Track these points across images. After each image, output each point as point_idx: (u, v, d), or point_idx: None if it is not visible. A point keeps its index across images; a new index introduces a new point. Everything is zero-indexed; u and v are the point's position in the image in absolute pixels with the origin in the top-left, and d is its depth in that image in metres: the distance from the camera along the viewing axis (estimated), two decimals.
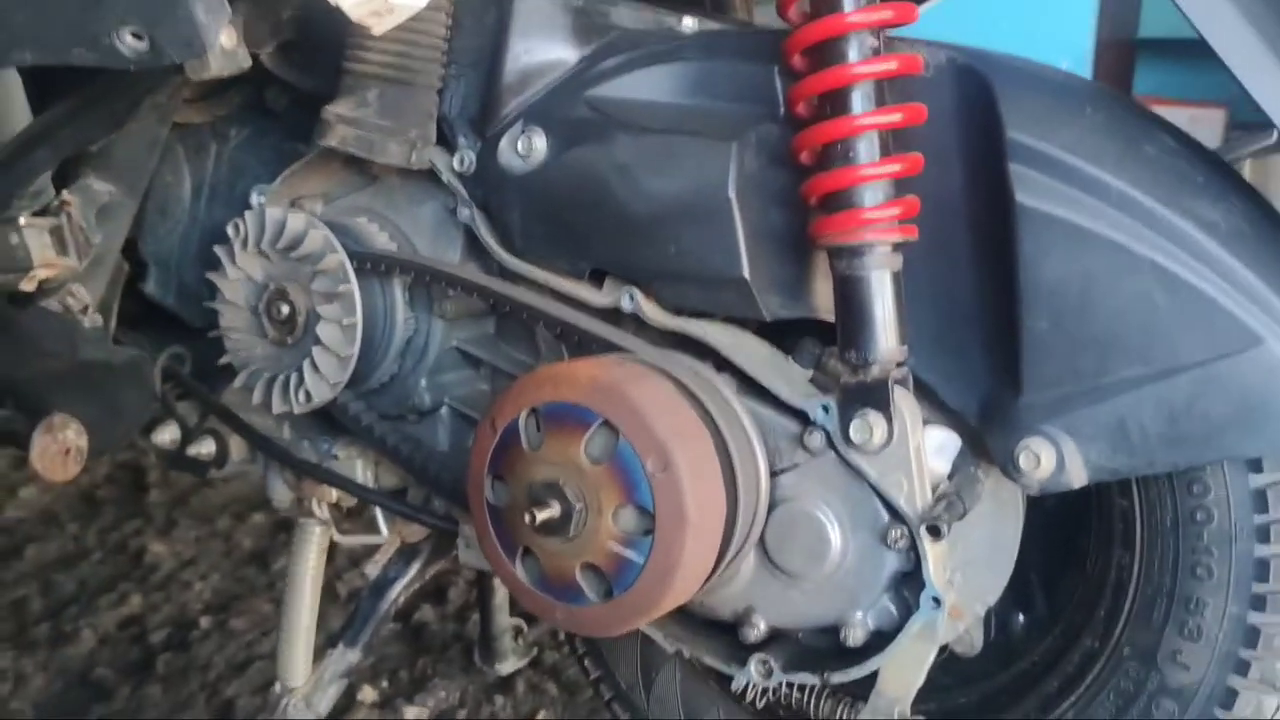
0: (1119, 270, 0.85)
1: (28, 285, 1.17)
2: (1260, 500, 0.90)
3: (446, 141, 1.09)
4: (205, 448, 1.31)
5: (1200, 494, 0.91)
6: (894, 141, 0.90)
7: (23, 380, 1.27)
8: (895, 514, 0.92)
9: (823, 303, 0.97)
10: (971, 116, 0.90)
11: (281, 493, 1.30)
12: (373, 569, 1.37)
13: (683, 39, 1.05)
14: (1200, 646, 0.93)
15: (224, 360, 1.21)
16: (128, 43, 0.81)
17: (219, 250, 1.18)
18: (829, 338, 0.98)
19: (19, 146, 1.11)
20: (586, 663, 1.26)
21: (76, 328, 1.20)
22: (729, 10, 1.40)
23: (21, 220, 1.15)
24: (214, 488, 2.27)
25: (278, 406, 1.16)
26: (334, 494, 1.24)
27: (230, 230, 1.17)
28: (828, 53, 0.89)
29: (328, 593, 1.84)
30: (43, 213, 1.18)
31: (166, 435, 1.32)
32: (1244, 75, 0.84)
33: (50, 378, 1.27)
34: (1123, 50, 3.83)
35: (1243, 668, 0.91)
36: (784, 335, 1.02)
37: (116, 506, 2.23)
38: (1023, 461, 0.90)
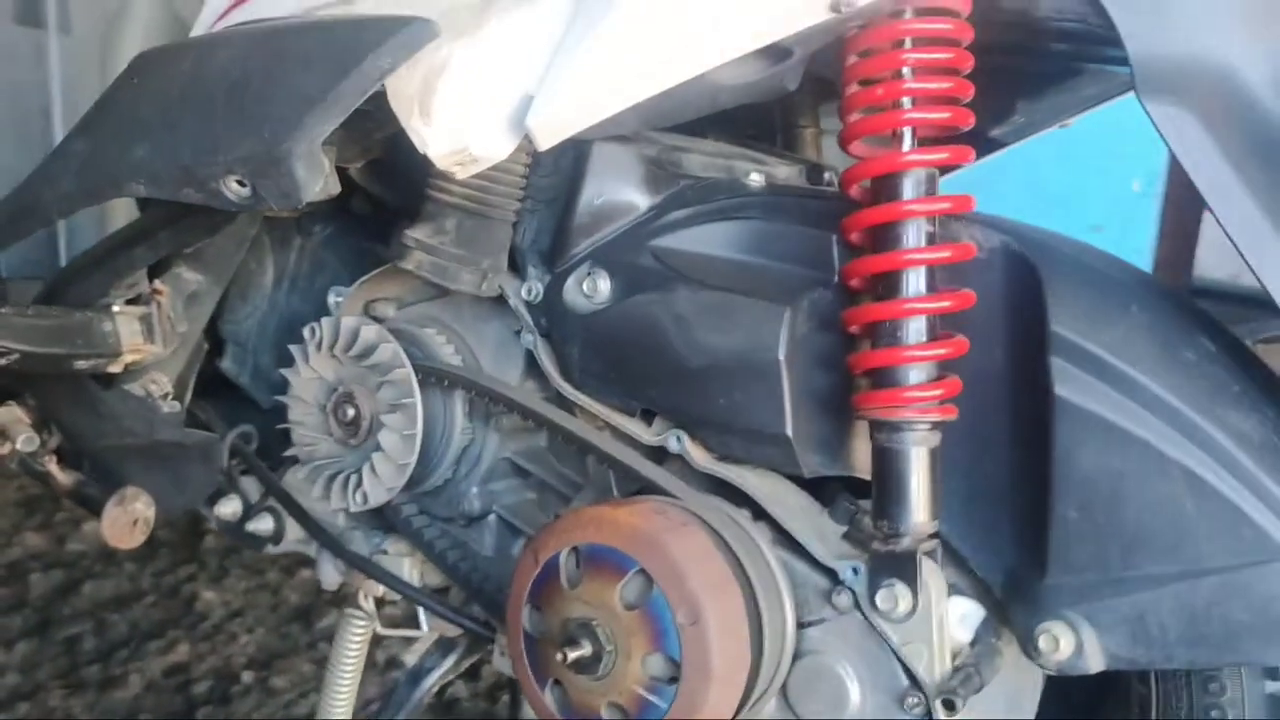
0: (1149, 471, 0.88)
1: (115, 368, 1.24)
2: (1275, 706, 0.91)
3: (517, 268, 1.15)
4: (264, 525, 1.37)
5: (1216, 693, 0.93)
6: (941, 321, 0.93)
7: (101, 451, 1.34)
8: (914, 681, 0.95)
9: (860, 462, 1.00)
10: (1018, 305, 0.93)
11: (331, 577, 1.35)
12: (411, 658, 1.42)
13: (749, 195, 1.09)
14: None
15: (290, 452, 1.27)
16: (232, 189, 0.88)
17: (294, 349, 1.25)
18: (863, 490, 1.01)
19: (121, 242, 1.18)
20: None
21: (155, 411, 1.27)
22: (797, 147, 1.45)
23: (115, 308, 1.22)
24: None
25: (335, 503, 1.21)
26: (380, 589, 1.29)
27: (306, 332, 1.23)
28: (884, 236, 0.93)
29: (367, 660, 1.89)
30: (135, 300, 1.25)
31: (228, 509, 1.38)
32: (1248, 251, 0.85)
33: (126, 451, 1.34)
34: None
35: None
36: (820, 484, 1.05)
37: (172, 550, 2.30)
38: (1042, 643, 0.92)
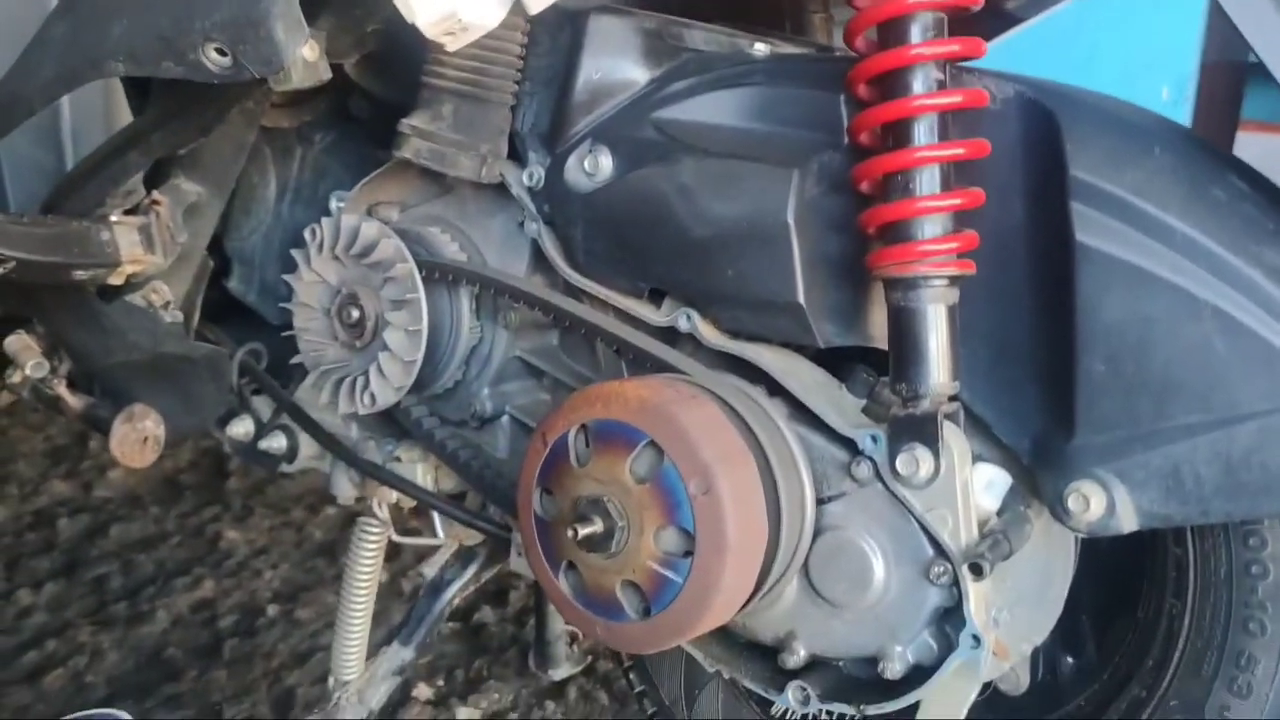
0: (1180, 315, 0.84)
1: (115, 280, 1.21)
2: None
3: (518, 156, 1.11)
4: (276, 443, 1.35)
5: (1257, 547, 0.89)
6: (955, 174, 0.89)
7: (108, 370, 1.32)
8: (939, 549, 0.92)
9: (877, 331, 0.97)
10: (1035, 152, 0.89)
11: (345, 489, 1.34)
12: (430, 570, 1.40)
13: (752, 63, 1.05)
14: (1249, 704, 0.90)
15: (296, 359, 1.25)
16: (212, 58, 0.85)
17: (295, 253, 1.22)
18: (883, 367, 0.98)
19: (114, 149, 1.15)
20: (631, 676, 1.27)
21: (158, 322, 1.25)
22: (808, 33, 1.40)
23: (113, 218, 1.19)
24: (290, 479, 2.33)
25: (344, 407, 1.19)
26: (394, 495, 1.27)
27: (307, 235, 1.20)
28: (892, 84, 0.89)
29: (392, 589, 1.89)
30: (133, 211, 1.23)
31: (240, 428, 1.37)
32: None
33: (133, 369, 1.32)
34: (1231, 74, 3.70)
35: None
36: (840, 362, 1.02)
37: (197, 492, 2.30)
38: (1072, 503, 0.89)
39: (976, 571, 0.89)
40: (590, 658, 1.73)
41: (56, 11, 0.95)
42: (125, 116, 1.35)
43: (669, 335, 1.04)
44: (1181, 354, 0.84)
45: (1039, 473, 0.92)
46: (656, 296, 1.06)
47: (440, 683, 1.72)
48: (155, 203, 1.25)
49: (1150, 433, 0.86)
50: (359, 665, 1.35)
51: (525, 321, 1.18)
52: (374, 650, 1.39)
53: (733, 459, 0.90)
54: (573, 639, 1.70)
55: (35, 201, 1.30)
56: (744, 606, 0.95)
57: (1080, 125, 0.87)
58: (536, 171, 1.09)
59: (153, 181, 1.27)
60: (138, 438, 1.32)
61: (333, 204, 1.25)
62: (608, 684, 1.71)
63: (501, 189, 1.14)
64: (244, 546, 2.11)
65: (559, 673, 1.69)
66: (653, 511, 0.89)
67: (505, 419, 1.21)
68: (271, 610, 1.90)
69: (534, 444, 0.97)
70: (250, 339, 1.38)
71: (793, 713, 1.06)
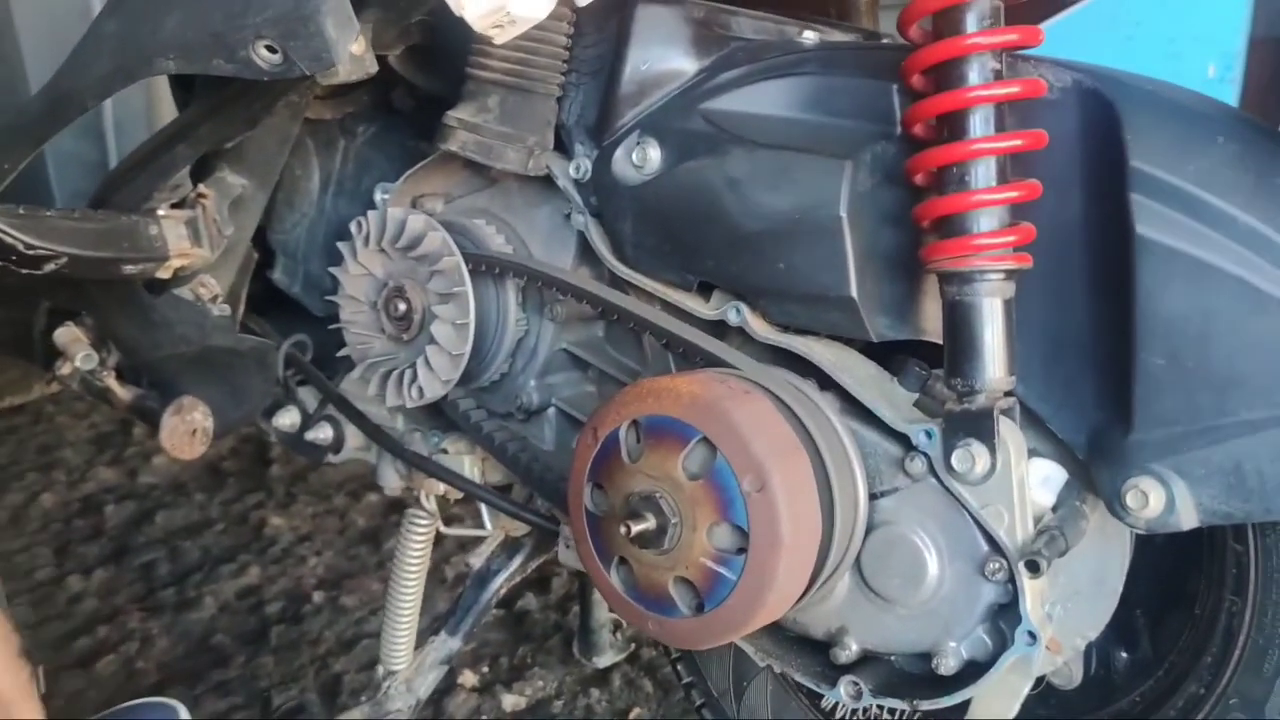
0: (1244, 308, 0.82)
1: (163, 273, 1.22)
2: None
3: (564, 148, 1.11)
4: (323, 433, 1.36)
5: None
6: (1012, 166, 0.88)
7: (156, 362, 1.33)
8: (995, 546, 0.91)
9: (930, 325, 0.96)
10: (1095, 143, 0.87)
11: (392, 481, 1.34)
12: (476, 560, 1.40)
13: (802, 52, 1.04)
14: None
15: (343, 352, 1.25)
16: (263, 55, 0.85)
17: (342, 246, 1.22)
18: (935, 360, 0.96)
19: (161, 143, 1.16)
20: (679, 667, 1.27)
21: (206, 315, 1.25)
22: (853, 18, 1.38)
23: (160, 212, 1.20)
24: (332, 466, 2.34)
25: (391, 400, 1.19)
26: (441, 487, 1.28)
27: (353, 227, 1.21)
28: (948, 74, 0.87)
29: (434, 576, 1.90)
30: (180, 205, 1.23)
31: (286, 419, 1.37)
32: None
33: (181, 361, 1.33)
34: None
35: None
36: (889, 356, 1.01)
37: (240, 479, 2.32)
38: (1130, 500, 0.88)
39: (1033, 569, 0.88)
40: (634, 645, 1.73)
41: (107, 9, 0.96)
42: (167, 112, 1.36)
43: (718, 328, 1.04)
44: (1244, 348, 0.82)
45: (1096, 468, 0.91)
46: (705, 289, 1.05)
47: (485, 670, 1.73)
48: (201, 196, 1.25)
49: (1211, 428, 0.85)
50: (408, 655, 1.36)
51: (571, 314, 1.17)
52: (421, 640, 1.40)
53: (786, 454, 0.89)
54: (616, 627, 1.71)
55: (79, 195, 1.31)
56: (796, 602, 0.94)
57: (1141, 115, 0.86)
58: (583, 164, 1.08)
59: (198, 175, 1.28)
60: (187, 429, 1.32)
61: (377, 196, 1.25)
62: (652, 671, 1.71)
63: (547, 181, 1.13)
64: (288, 533, 2.13)
65: (603, 660, 1.70)
66: (706, 508, 0.89)
67: (551, 411, 1.21)
68: (317, 597, 1.91)
69: (584, 439, 0.97)
70: (292, 331, 1.38)
71: (844, 707, 1.06)
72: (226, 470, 2.34)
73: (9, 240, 1.00)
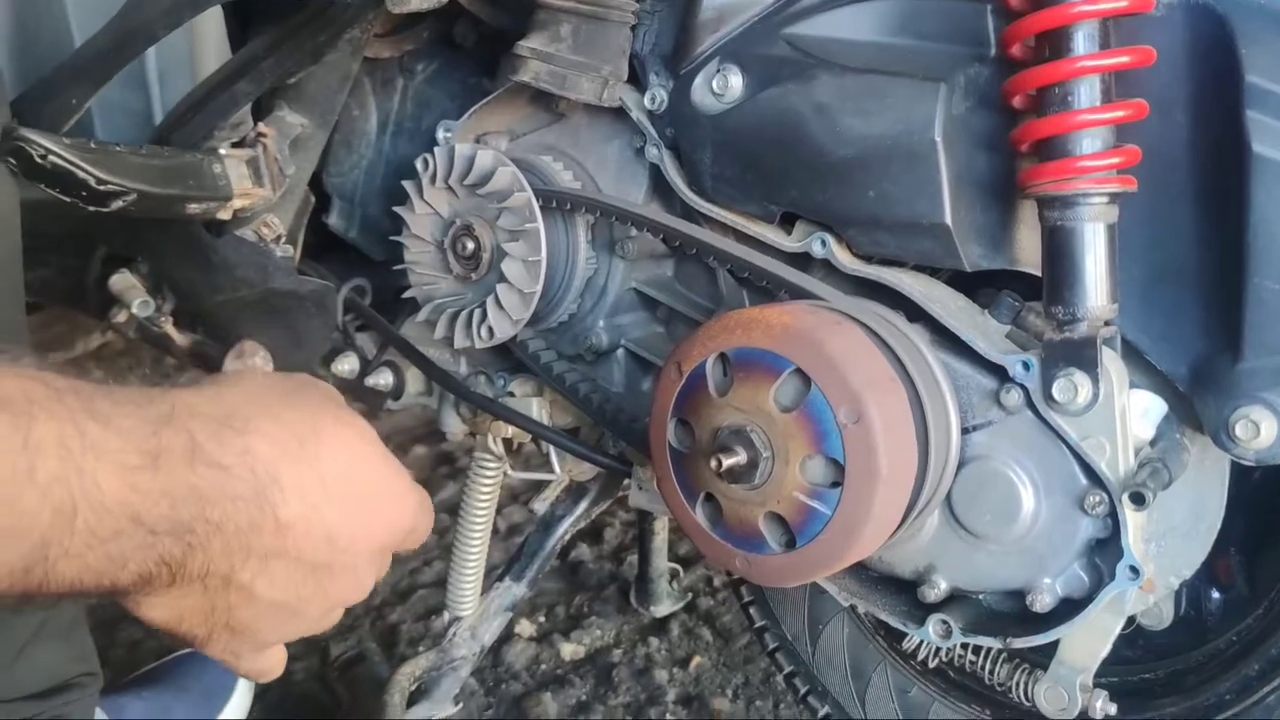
0: None
1: (224, 214, 1.20)
2: None
3: (637, 79, 1.08)
4: (383, 379, 1.34)
5: None
6: (1117, 85, 0.85)
7: (216, 306, 1.32)
8: (1094, 478, 0.88)
9: (1026, 255, 0.93)
10: (1205, 59, 0.84)
11: (455, 426, 1.32)
12: (540, 506, 1.39)
13: None
14: None
15: (408, 294, 1.23)
16: None
17: (407, 184, 1.20)
18: (1026, 292, 0.94)
19: (222, 79, 1.13)
20: (751, 611, 1.25)
21: (269, 256, 1.23)
22: None
23: (222, 151, 1.17)
24: (378, 419, 2.33)
25: (460, 341, 1.17)
26: (508, 430, 1.26)
27: (419, 165, 1.18)
28: None
29: None
30: (240, 144, 1.21)
31: (345, 365, 1.36)
32: None
33: (240, 305, 1.31)
34: None
35: None
36: (976, 291, 0.98)
37: None
38: (1239, 430, 0.85)
39: (1138, 501, 0.86)
40: (691, 595, 1.72)
41: None
42: (211, 61, 1.33)
43: (801, 261, 1.01)
44: None
45: (1199, 399, 0.88)
46: (787, 222, 1.02)
47: (542, 619, 1.72)
48: (262, 135, 1.23)
49: None
50: (474, 601, 1.35)
51: (641, 252, 1.15)
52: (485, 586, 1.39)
53: (882, 386, 0.86)
54: (673, 576, 1.69)
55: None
56: (888, 539, 0.92)
57: (1256, 27, 0.82)
58: (659, 94, 1.05)
59: (257, 114, 1.26)
60: None
61: (440, 134, 1.22)
62: (710, 620, 1.70)
63: (616, 114, 1.11)
64: None
65: (660, 610, 1.68)
66: (799, 441, 0.86)
67: (620, 352, 1.19)
68: None
69: (667, 374, 0.95)
70: (349, 274, 1.36)
71: (927, 647, 1.04)
72: None
73: (81, 175, 0.98)
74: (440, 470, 2.16)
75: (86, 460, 0.54)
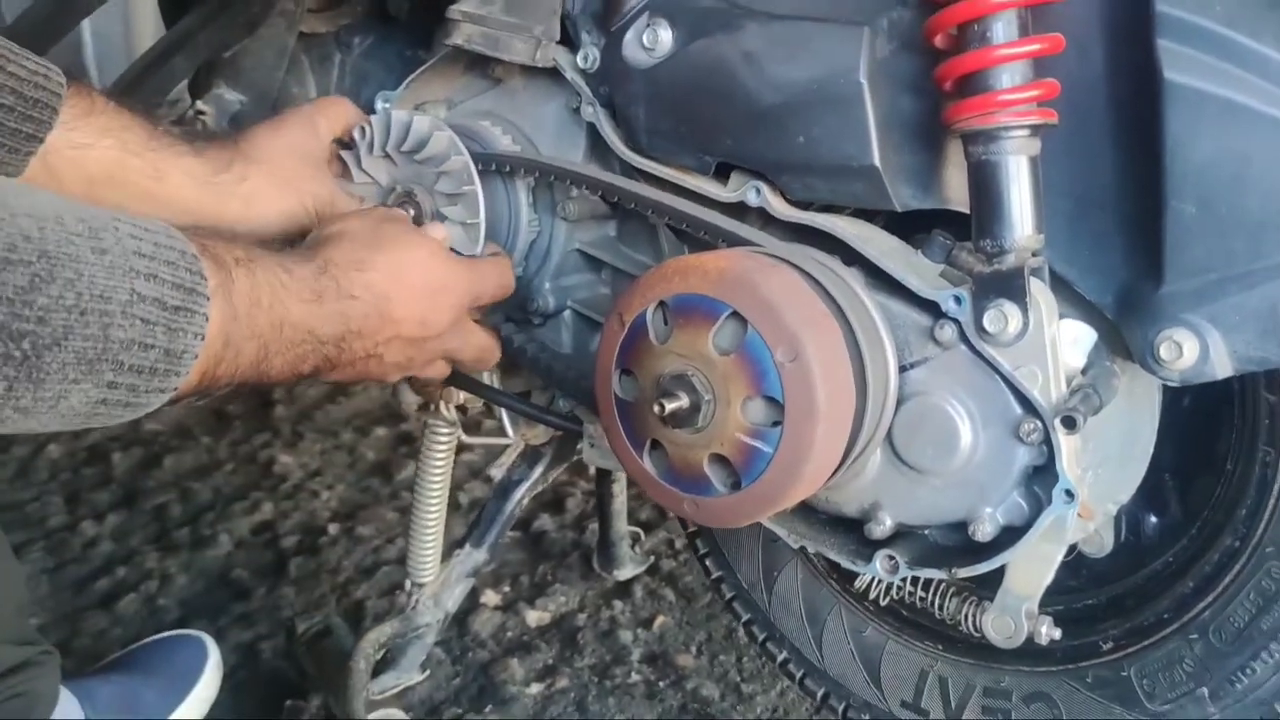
0: (1276, 147, 0.81)
1: None
2: None
3: (570, 40, 1.09)
4: None
5: None
6: (1034, 21, 0.87)
7: None
8: (1028, 407, 0.90)
9: (955, 194, 0.95)
10: None
11: (408, 398, 1.33)
12: (497, 472, 1.40)
13: None
14: None
15: None
16: None
17: (345, 155, 1.20)
18: (959, 232, 0.96)
19: (157, 55, 1.14)
20: (708, 563, 1.27)
21: None
22: None
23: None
24: (337, 403, 2.33)
25: None
26: (460, 396, 1.27)
27: (356, 134, 1.18)
28: None
29: (449, 502, 1.89)
30: (179, 122, 1.21)
31: None
32: None
33: None
34: None
35: None
36: (910, 233, 1.00)
37: (245, 421, 2.31)
38: (1164, 352, 0.87)
39: (1069, 424, 0.88)
40: (653, 558, 1.74)
41: None
42: (145, 43, 1.33)
43: (738, 211, 1.03)
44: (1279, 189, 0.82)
45: (1126, 325, 0.91)
46: (722, 174, 1.04)
47: (506, 589, 1.73)
48: (201, 112, 1.23)
49: (1245, 273, 0.84)
50: (434, 568, 1.36)
51: (583, 213, 1.16)
52: (445, 558, 1.40)
53: (818, 325, 0.88)
54: (635, 540, 1.71)
55: None
56: (830, 478, 0.94)
57: None
58: (591, 52, 1.07)
59: (195, 93, 1.26)
60: None
61: (379, 105, 1.23)
62: (673, 581, 1.72)
63: (552, 77, 1.12)
64: (298, 470, 2.12)
65: (624, 573, 1.70)
66: (739, 382, 0.88)
67: (568, 314, 1.20)
68: (332, 529, 1.91)
69: (610, 326, 0.96)
70: None
71: (877, 585, 1.07)
72: (230, 413, 2.33)
73: None
74: (400, 450, 2.16)
75: (286, 295, 0.86)
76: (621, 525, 1.67)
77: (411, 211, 1.15)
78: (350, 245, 0.96)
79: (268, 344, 0.84)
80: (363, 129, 1.18)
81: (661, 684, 1.51)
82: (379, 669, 1.35)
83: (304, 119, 1.14)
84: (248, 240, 0.91)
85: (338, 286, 0.91)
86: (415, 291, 0.98)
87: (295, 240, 1.06)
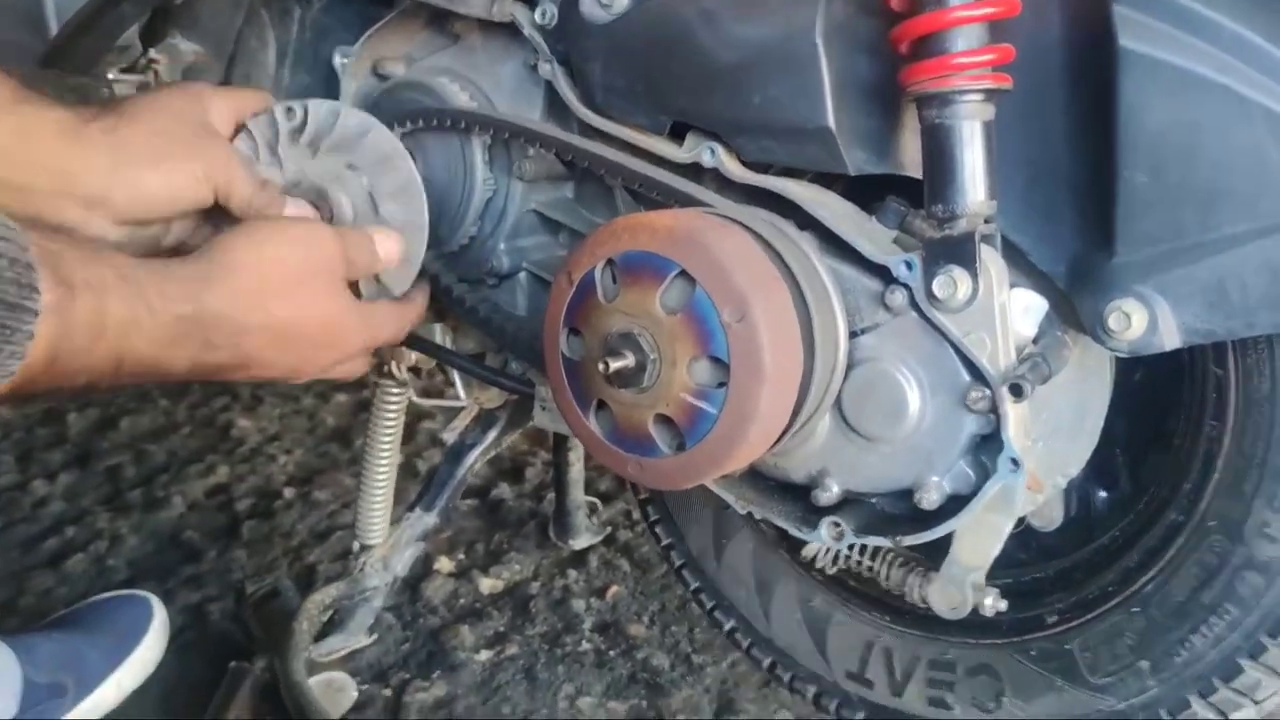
0: (1229, 118, 0.80)
1: None
2: None
3: None
4: None
5: None
6: None
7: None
8: (977, 375, 0.90)
9: (909, 159, 0.94)
10: None
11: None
12: (450, 436, 1.39)
13: None
14: None
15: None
16: None
17: (251, 137, 1.14)
18: (915, 200, 0.95)
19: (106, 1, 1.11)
20: (658, 530, 1.27)
21: None
22: None
23: (110, 75, 1.15)
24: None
25: None
26: (412, 356, 1.25)
27: (268, 117, 1.12)
28: None
29: (407, 469, 1.88)
30: (130, 70, 1.19)
31: None
32: None
33: None
34: None
35: None
36: (866, 200, 0.99)
37: (204, 385, 2.28)
38: (1113, 322, 0.87)
39: (1016, 392, 0.87)
40: (610, 528, 1.73)
41: None
42: None
43: (693, 172, 1.02)
44: (1229, 160, 0.81)
45: (1077, 296, 0.90)
46: (678, 134, 1.03)
47: (461, 556, 1.72)
48: (153, 61, 1.21)
49: (1194, 245, 0.84)
50: (383, 530, 1.35)
51: (539, 173, 1.14)
52: (397, 522, 1.39)
53: (766, 286, 0.87)
54: (592, 510, 1.70)
55: None
56: (777, 443, 0.93)
57: None
58: (549, 8, 1.05)
59: (149, 42, 1.23)
60: None
61: (337, 61, 1.22)
62: (629, 552, 1.72)
63: (510, 33, 1.10)
64: (256, 434, 2.10)
65: (579, 543, 1.70)
66: (685, 342, 0.87)
67: (523, 275, 1.19)
68: (288, 493, 1.90)
69: (558, 284, 0.95)
70: None
71: (824, 553, 1.06)
72: None
73: None
74: (360, 417, 2.14)
75: (136, 334, 0.81)
76: (578, 494, 1.66)
77: (326, 214, 1.10)
78: (238, 296, 0.88)
79: (101, 375, 0.80)
80: (283, 111, 1.12)
81: (612, 653, 1.50)
82: (326, 631, 1.34)
83: (191, 92, 1.05)
84: (128, 254, 0.85)
85: (205, 340, 0.86)
86: (293, 349, 0.94)
87: (194, 228, 1.01)
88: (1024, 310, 0.93)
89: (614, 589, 1.63)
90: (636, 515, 1.79)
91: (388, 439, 1.32)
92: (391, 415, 1.32)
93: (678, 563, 1.25)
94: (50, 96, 0.96)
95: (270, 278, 0.91)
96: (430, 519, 1.38)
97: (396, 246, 1.04)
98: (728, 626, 1.23)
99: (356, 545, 1.36)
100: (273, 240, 0.94)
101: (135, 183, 0.96)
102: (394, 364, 1.27)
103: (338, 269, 0.97)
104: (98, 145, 0.95)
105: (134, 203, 0.96)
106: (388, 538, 1.36)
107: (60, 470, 1.98)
